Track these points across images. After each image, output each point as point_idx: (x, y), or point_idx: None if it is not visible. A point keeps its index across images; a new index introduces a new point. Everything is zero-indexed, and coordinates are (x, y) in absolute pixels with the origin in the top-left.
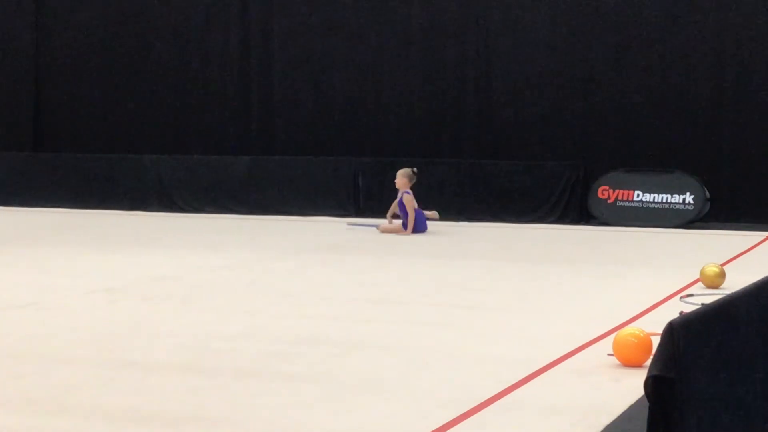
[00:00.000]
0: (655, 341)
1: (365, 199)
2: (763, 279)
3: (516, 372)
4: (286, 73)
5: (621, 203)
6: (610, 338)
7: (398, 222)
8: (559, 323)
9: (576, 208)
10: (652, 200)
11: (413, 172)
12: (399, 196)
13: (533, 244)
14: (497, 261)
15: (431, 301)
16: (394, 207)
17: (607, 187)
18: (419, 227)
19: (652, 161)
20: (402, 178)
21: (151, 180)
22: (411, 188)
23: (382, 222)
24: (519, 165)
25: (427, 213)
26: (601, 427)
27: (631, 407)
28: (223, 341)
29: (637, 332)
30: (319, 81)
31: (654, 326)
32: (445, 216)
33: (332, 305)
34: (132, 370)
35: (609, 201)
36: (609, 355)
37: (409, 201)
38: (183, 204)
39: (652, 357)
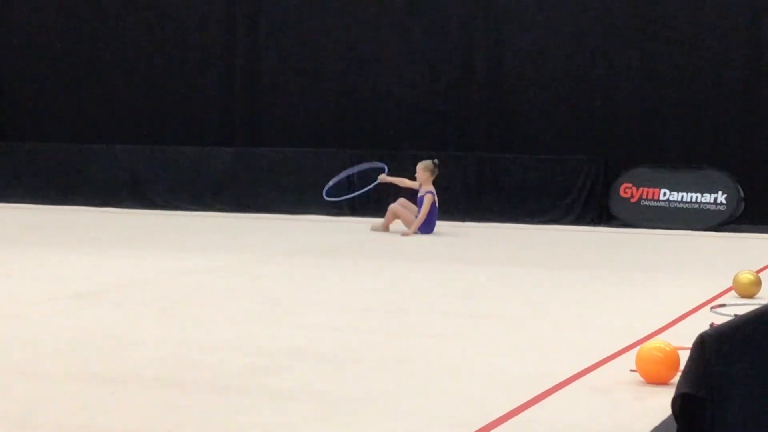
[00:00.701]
0: (684, 356)
1: (361, 196)
2: None
3: (529, 389)
4: (274, 55)
5: (645, 203)
6: (633, 352)
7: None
8: (577, 335)
9: (595, 207)
10: (680, 200)
11: (434, 163)
12: (421, 192)
13: (548, 247)
14: (508, 266)
15: (435, 310)
16: (424, 211)
17: (630, 185)
18: (427, 227)
19: (681, 156)
20: (424, 172)
21: (123, 173)
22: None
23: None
24: (532, 159)
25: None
26: None
27: (656, 429)
28: (203, 353)
29: (663, 346)
30: (310, 65)
31: (682, 339)
32: (450, 216)
33: (325, 314)
34: (102, 385)
35: (632, 200)
36: (632, 371)
37: (429, 201)
38: (159, 200)
39: (680, 373)
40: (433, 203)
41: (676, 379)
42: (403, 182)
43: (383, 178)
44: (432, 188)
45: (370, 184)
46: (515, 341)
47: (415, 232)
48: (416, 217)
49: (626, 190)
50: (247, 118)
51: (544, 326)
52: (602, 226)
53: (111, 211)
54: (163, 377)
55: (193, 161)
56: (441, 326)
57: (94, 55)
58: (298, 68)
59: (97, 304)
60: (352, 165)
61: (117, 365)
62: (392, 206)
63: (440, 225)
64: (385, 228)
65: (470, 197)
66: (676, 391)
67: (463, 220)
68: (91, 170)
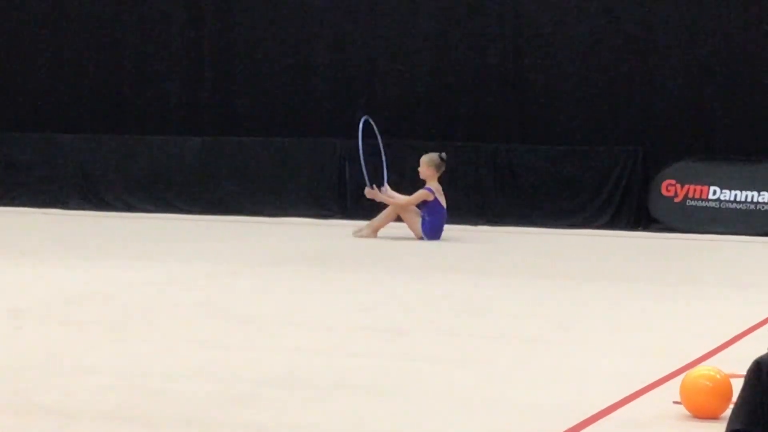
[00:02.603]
0: (737, 385)
1: (354, 194)
2: None
3: (553, 424)
4: (248, 25)
5: (692, 202)
6: (677, 381)
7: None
8: (610, 360)
9: (632, 208)
10: (732, 199)
11: (441, 158)
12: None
13: (575, 255)
14: (528, 278)
15: (440, 330)
16: (408, 201)
17: (673, 182)
18: (433, 232)
19: (734, 147)
20: (428, 168)
21: (70, 167)
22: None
23: None
24: (557, 151)
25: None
26: None
27: None
28: (165, 381)
29: (712, 373)
30: (294, 38)
31: (735, 365)
32: (459, 218)
33: (309, 334)
34: (45, 418)
35: (676, 199)
36: (675, 402)
37: (423, 195)
38: (113, 200)
39: (732, 406)
40: (437, 203)
41: (728, 412)
42: (397, 201)
43: (371, 193)
44: (436, 186)
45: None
46: (536, 367)
47: (420, 238)
48: (424, 223)
49: (669, 187)
50: (217, 102)
51: (570, 349)
52: (640, 230)
53: (55, 212)
54: (118, 410)
55: (155, 153)
56: (447, 349)
57: (33, 30)
58: (279, 40)
59: (38, 323)
60: (342, 158)
61: (63, 396)
62: (396, 204)
63: (448, 229)
64: (374, 232)
65: (483, 196)
66: (727, 427)
67: (475, 223)
68: (32, 164)
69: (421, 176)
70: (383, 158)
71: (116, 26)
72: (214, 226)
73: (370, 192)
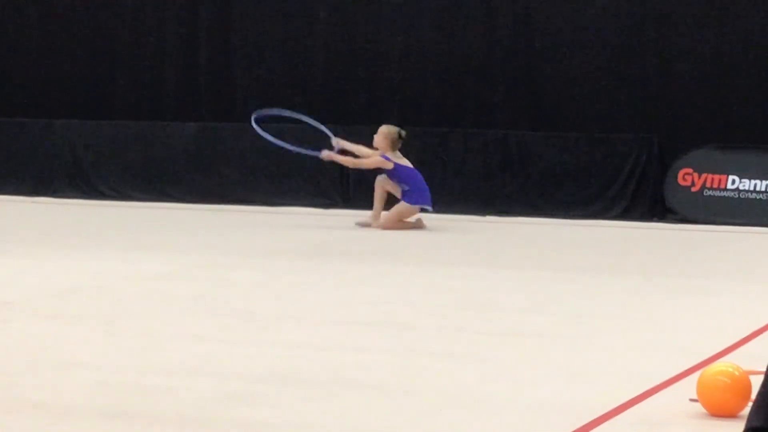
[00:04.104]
0: (756, 382)
1: (356, 182)
2: None
3: (564, 422)
4: (246, 9)
5: (710, 192)
6: (694, 378)
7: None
8: (624, 356)
9: (647, 198)
10: (752, 188)
11: (399, 134)
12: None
13: (588, 247)
14: (538, 271)
15: (448, 325)
16: (363, 164)
17: (690, 170)
18: (420, 197)
19: (753, 134)
20: (383, 140)
21: (61, 154)
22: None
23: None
24: (569, 138)
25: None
26: None
27: None
28: (160, 377)
29: (730, 370)
30: (293, 21)
31: (754, 361)
32: (466, 208)
33: (310, 329)
34: (36, 414)
35: (693, 189)
36: (692, 400)
37: (377, 162)
38: (105, 188)
39: (751, 404)
40: (402, 168)
41: (747, 410)
42: (355, 162)
43: (329, 155)
44: (393, 154)
45: (310, 150)
46: (546, 364)
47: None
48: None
49: (686, 176)
50: (214, 87)
51: (581, 345)
52: (656, 221)
53: (45, 201)
54: (110, 407)
55: (148, 139)
56: (455, 345)
57: (23, 12)
58: (279, 22)
59: (28, 317)
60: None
61: (54, 393)
62: (379, 180)
63: (455, 219)
64: (377, 217)
65: (492, 185)
66: (746, 425)
67: (483, 213)
68: (21, 150)
69: (375, 144)
70: (309, 122)
71: (110, 9)
72: (211, 216)
73: (327, 155)
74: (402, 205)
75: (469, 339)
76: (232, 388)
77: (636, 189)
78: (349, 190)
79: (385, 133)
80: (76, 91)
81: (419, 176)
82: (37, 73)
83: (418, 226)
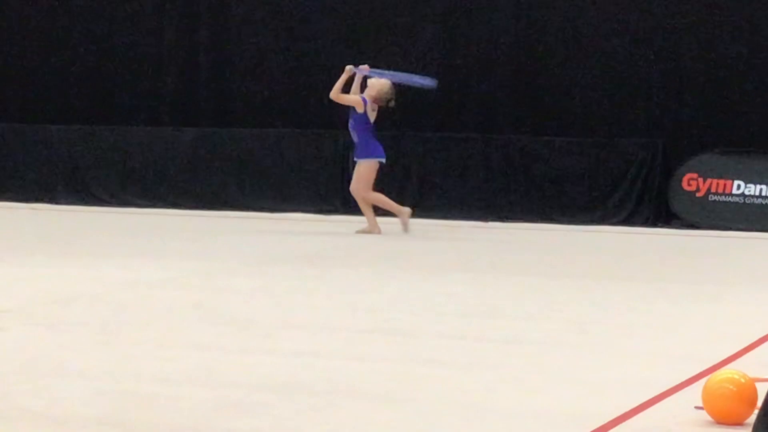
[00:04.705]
0: (762, 389)
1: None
2: None
3: (570, 430)
4: (245, 14)
5: (715, 197)
6: (699, 385)
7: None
8: (629, 364)
9: (652, 203)
10: (758, 193)
11: (388, 101)
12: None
13: (591, 253)
14: (541, 277)
15: (449, 333)
16: (340, 98)
17: (695, 175)
18: (367, 149)
19: (759, 139)
20: (375, 92)
21: (59, 160)
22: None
23: None
24: (573, 143)
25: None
26: None
27: None
28: (158, 386)
29: (736, 377)
30: (292, 23)
31: (760, 369)
32: (468, 214)
33: (310, 337)
34: (32, 423)
35: (698, 194)
36: (697, 408)
37: (356, 101)
38: (103, 194)
39: (757, 411)
40: (365, 117)
41: (752, 418)
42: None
43: (350, 68)
44: (372, 104)
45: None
46: (549, 372)
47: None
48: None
49: (690, 181)
50: (213, 92)
51: (586, 353)
52: (660, 227)
53: (43, 207)
54: (107, 416)
55: (147, 145)
56: (456, 353)
57: (22, 18)
58: (277, 27)
59: (24, 325)
60: (345, 150)
61: (50, 401)
62: (353, 190)
63: (456, 225)
64: (374, 224)
65: (494, 190)
66: None
67: (485, 219)
68: (18, 157)
69: (364, 93)
70: (414, 80)
71: (108, 16)
72: (210, 222)
73: (349, 69)
74: (360, 166)
75: (471, 346)
76: (230, 397)
77: (640, 194)
78: (349, 197)
79: (378, 89)
80: (75, 97)
81: (372, 129)
82: (37, 80)
83: (404, 223)
